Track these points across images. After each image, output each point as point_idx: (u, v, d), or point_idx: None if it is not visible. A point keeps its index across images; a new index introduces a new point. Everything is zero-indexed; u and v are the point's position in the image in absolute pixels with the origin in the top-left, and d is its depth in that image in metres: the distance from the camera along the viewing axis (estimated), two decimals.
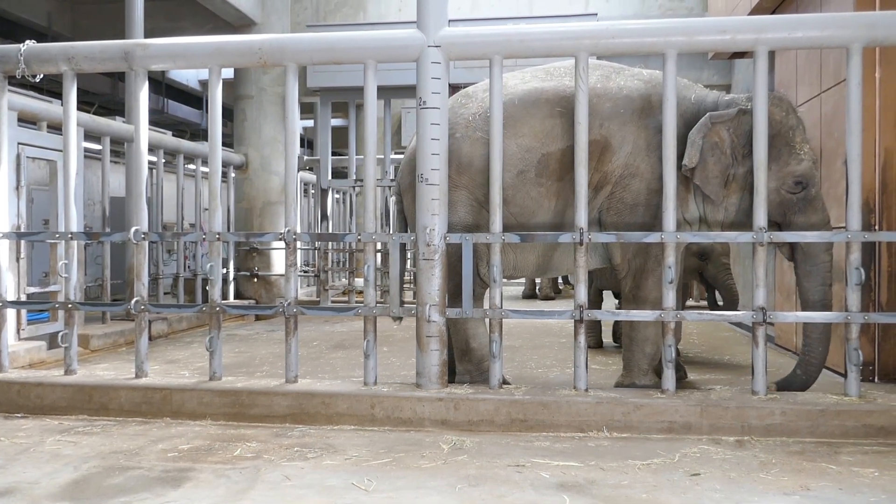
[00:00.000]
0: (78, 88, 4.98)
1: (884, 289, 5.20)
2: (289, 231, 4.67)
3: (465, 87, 5.08)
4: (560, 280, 13.38)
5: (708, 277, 5.93)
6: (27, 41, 4.91)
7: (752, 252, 4.30)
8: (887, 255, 5.19)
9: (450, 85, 4.67)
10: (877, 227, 5.17)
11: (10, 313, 5.34)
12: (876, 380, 5.22)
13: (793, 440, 3.94)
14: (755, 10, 6.88)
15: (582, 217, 4.35)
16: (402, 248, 5.01)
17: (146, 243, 4.90)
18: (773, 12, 6.86)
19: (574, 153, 4.47)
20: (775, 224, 4.52)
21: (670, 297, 4.31)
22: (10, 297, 5.14)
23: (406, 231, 4.95)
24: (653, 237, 4.33)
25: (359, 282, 11.21)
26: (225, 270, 10.48)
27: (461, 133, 4.71)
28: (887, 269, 5.19)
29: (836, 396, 4.21)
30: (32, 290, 6.47)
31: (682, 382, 4.88)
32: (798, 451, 3.75)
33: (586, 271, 4.43)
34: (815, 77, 6.08)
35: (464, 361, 4.80)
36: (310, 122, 17.74)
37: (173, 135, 10.57)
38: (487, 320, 4.52)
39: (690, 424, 4.07)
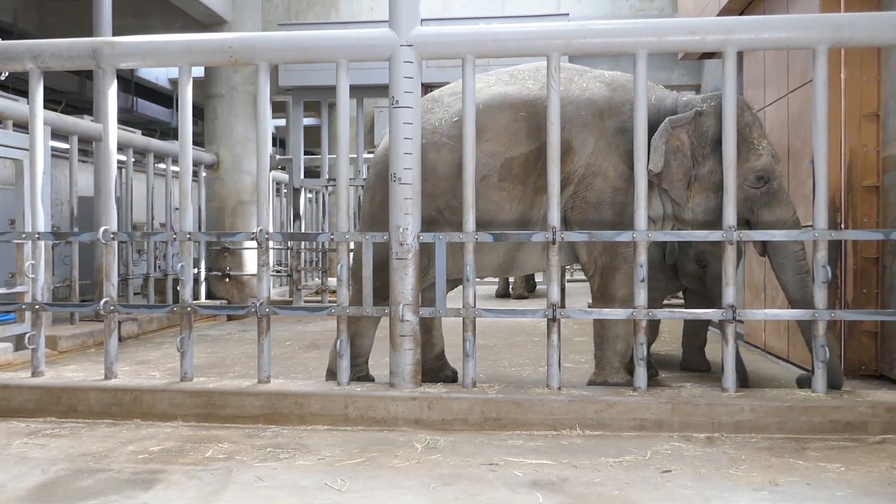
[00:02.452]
0: (45, 86, 4.91)
1: (849, 286, 5.29)
2: (261, 230, 4.64)
3: (437, 87, 5.08)
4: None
5: (708, 285, 5.26)
6: None
7: (722, 250, 4.35)
8: (853, 253, 5.28)
9: (422, 84, 4.67)
10: (843, 226, 5.26)
11: None
12: None
13: (761, 436, 4.00)
14: (724, 11, 6.96)
15: (555, 216, 4.38)
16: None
17: (115, 243, 4.84)
18: (741, 13, 6.95)
19: (539, 154, 4.54)
20: (744, 221, 4.58)
21: (642, 296, 4.35)
22: None
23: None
24: (624, 236, 4.37)
25: (332, 281, 11.16)
26: (196, 270, 10.39)
27: (427, 139, 4.72)
28: (853, 266, 5.28)
29: (803, 393, 4.28)
30: None
31: (653, 380, 4.93)
32: (767, 447, 3.80)
33: (559, 270, 4.46)
34: (783, 78, 6.17)
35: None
36: (282, 121, 17.66)
37: (143, 133, 10.45)
38: (461, 319, 4.53)
39: (662, 422, 4.11)
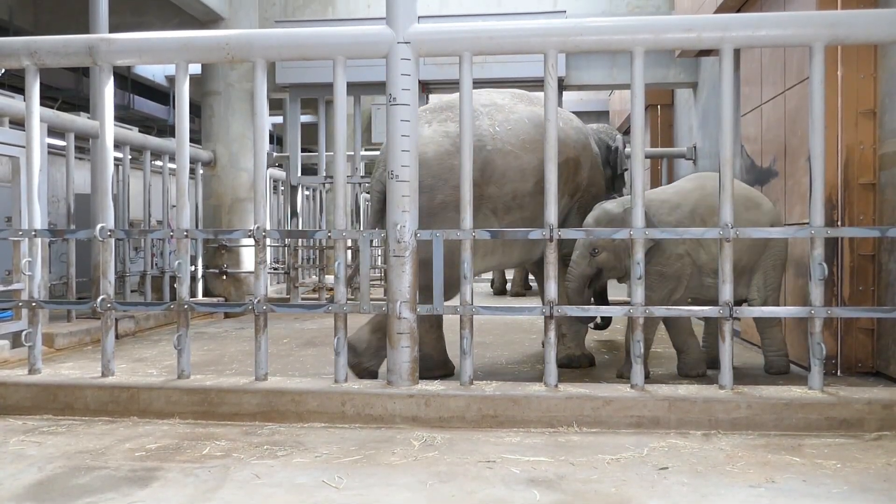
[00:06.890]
0: (41, 83, 4.90)
1: (846, 283, 5.30)
2: (258, 228, 4.64)
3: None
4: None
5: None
6: None
7: (719, 248, 4.37)
8: (849, 251, 5.29)
9: (420, 82, 4.67)
10: (839, 223, 5.27)
11: None
12: (839, 373, 5.33)
13: (758, 433, 4.01)
14: (721, 9, 6.96)
15: (552, 213, 4.39)
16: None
17: (112, 240, 4.83)
18: (738, 11, 6.95)
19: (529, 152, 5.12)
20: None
21: (639, 293, 4.36)
22: None
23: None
24: (622, 233, 4.44)
25: (329, 279, 11.15)
26: (193, 268, 10.38)
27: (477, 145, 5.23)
28: (849, 263, 5.29)
29: (800, 390, 4.29)
30: None
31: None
32: (763, 444, 3.81)
33: (556, 267, 4.46)
34: (780, 75, 6.17)
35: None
36: (279, 119, 17.59)
37: (140, 131, 10.43)
38: (458, 317, 4.53)
39: (658, 419, 4.12)
